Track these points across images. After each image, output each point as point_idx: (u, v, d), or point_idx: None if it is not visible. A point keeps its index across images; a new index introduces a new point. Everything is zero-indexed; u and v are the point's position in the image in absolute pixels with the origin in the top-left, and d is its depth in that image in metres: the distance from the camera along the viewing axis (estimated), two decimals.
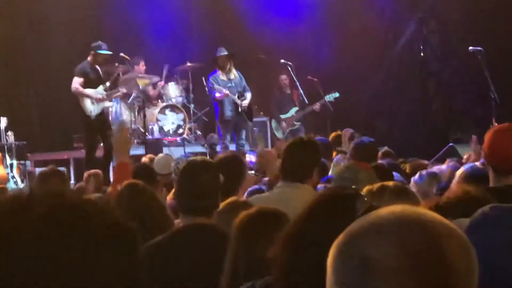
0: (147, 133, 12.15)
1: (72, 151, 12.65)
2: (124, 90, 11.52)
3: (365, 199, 1.87)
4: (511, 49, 12.32)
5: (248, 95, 11.75)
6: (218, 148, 11.82)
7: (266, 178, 6.18)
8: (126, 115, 12.32)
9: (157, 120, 12.73)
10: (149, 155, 8.28)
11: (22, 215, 1.04)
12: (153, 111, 12.73)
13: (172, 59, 13.40)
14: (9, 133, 11.61)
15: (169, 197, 4.95)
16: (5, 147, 11.46)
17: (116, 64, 11.93)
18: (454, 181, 4.17)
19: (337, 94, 12.31)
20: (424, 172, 4.85)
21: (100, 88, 10.77)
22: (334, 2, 13.97)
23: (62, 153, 12.72)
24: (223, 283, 2.67)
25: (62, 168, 12.02)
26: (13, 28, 13.51)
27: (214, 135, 12.37)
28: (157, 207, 3.95)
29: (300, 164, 4.23)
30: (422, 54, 14.31)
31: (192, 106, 13.15)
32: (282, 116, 12.68)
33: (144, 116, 12.04)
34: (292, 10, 14.27)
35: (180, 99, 13.13)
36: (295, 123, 12.66)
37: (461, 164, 5.97)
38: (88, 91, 10.64)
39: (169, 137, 12.77)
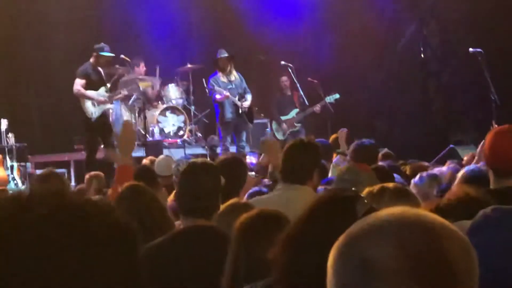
0: (147, 135, 12.15)
1: (73, 153, 12.65)
2: (126, 92, 11.53)
3: (365, 201, 1.88)
4: (511, 50, 12.32)
5: (249, 97, 11.75)
6: (219, 150, 11.82)
7: (267, 179, 6.18)
8: (126, 117, 12.32)
9: (158, 122, 12.74)
10: (149, 157, 8.29)
11: (22, 216, 1.04)
12: (153, 113, 12.73)
13: (173, 61, 13.41)
14: (10, 135, 11.61)
15: (170, 199, 4.95)
16: (6, 149, 11.46)
17: (117, 65, 11.93)
18: (455, 182, 4.17)
19: (337, 96, 12.31)
20: (424, 174, 4.85)
21: (102, 90, 10.77)
22: (334, 3, 13.98)
23: (62, 155, 12.72)
24: (223, 284, 2.67)
25: (63, 170, 12.06)
26: (13, 29, 13.51)
27: (215, 137, 12.37)
28: (158, 209, 3.95)
29: (300, 166, 4.23)
30: (422, 55, 14.31)
31: (192, 108, 13.15)
32: (283, 118, 12.68)
33: (145, 118, 12.05)
34: (292, 11, 14.27)
35: (180, 101, 13.14)
36: (295, 124, 12.66)
37: (462, 165, 5.98)
38: (90, 93, 10.64)
39: (170, 139, 12.77)
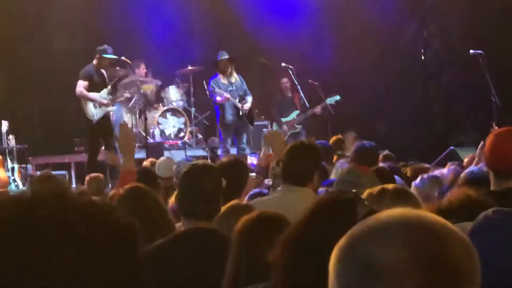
0: (148, 137, 12.15)
1: (73, 155, 12.65)
2: (128, 95, 11.54)
3: (366, 203, 1.88)
4: None
5: (249, 99, 11.76)
6: (219, 151, 11.82)
7: (267, 180, 6.18)
8: (126, 119, 12.32)
9: (158, 123, 12.74)
10: (150, 159, 8.28)
11: (23, 217, 1.04)
12: (154, 115, 12.74)
13: (173, 62, 13.41)
14: (10, 136, 11.61)
15: (171, 201, 4.95)
16: (7, 150, 11.46)
17: (117, 67, 11.94)
18: (456, 184, 4.17)
19: (338, 97, 12.31)
20: (425, 175, 4.84)
21: (104, 92, 10.78)
22: (334, 5, 13.98)
23: (63, 156, 12.72)
24: (224, 287, 2.67)
25: (63, 172, 12.07)
26: (13, 31, 13.51)
27: (215, 138, 12.37)
28: (159, 211, 3.95)
29: (301, 168, 4.23)
30: (422, 57, 14.32)
31: (193, 109, 13.15)
32: (283, 120, 12.68)
33: (145, 119, 12.05)
34: (292, 13, 14.27)
35: (181, 102, 13.14)
36: (296, 126, 12.66)
37: (462, 167, 5.98)
38: (92, 94, 10.65)
39: (170, 141, 12.78)
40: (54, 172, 11.56)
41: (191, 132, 13.11)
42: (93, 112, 10.67)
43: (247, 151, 11.88)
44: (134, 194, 3.97)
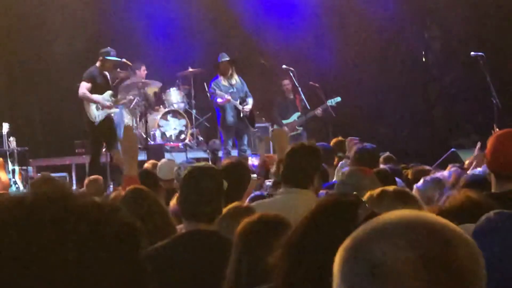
0: (149, 139, 12.15)
1: (74, 157, 12.66)
2: (132, 97, 11.54)
3: (367, 205, 1.87)
4: None
5: (250, 101, 11.76)
6: (220, 153, 11.82)
7: (268, 181, 6.18)
8: (127, 121, 12.32)
9: (159, 125, 12.74)
10: (151, 161, 8.28)
11: (26, 219, 1.03)
12: (155, 117, 12.74)
13: (174, 65, 13.42)
14: (11, 138, 11.61)
15: (173, 203, 4.95)
16: (7, 152, 11.46)
17: (118, 69, 11.94)
18: (457, 186, 4.17)
19: (339, 99, 12.32)
20: (428, 178, 4.84)
21: (107, 94, 10.80)
22: (335, 7, 13.99)
23: (64, 158, 12.73)
24: None
25: (64, 174, 12.08)
26: (14, 34, 13.53)
27: (216, 140, 12.37)
28: (160, 213, 3.96)
29: (302, 170, 4.23)
30: (423, 59, 14.32)
31: (194, 111, 13.16)
32: (284, 122, 12.68)
33: (146, 122, 12.05)
34: (293, 15, 14.28)
35: (182, 104, 13.14)
36: (297, 128, 12.66)
37: (463, 169, 5.97)
38: (95, 96, 10.66)
39: (171, 143, 12.77)
40: (54, 174, 11.58)
41: (192, 134, 13.11)
42: (95, 114, 10.68)
43: (248, 152, 11.89)
44: (135, 196, 3.97)
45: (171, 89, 13.17)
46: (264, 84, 13.47)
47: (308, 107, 12.34)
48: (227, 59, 11.66)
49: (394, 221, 1.18)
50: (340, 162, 7.18)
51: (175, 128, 12.89)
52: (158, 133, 12.72)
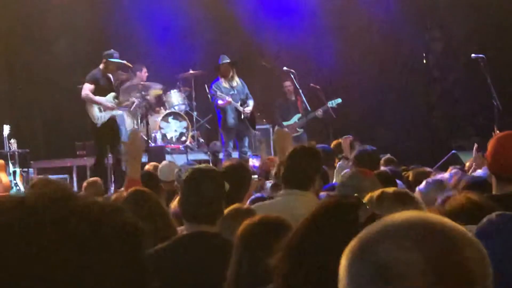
0: (149, 141, 12.15)
1: (75, 159, 12.66)
2: (134, 99, 11.54)
3: (367, 207, 1.88)
4: None
5: (251, 103, 11.76)
6: (221, 155, 11.82)
7: (269, 181, 6.18)
8: (129, 123, 12.33)
9: (160, 127, 12.74)
10: (152, 163, 8.29)
11: (28, 220, 1.03)
12: (155, 119, 12.74)
13: (175, 67, 13.43)
14: (12, 140, 11.61)
15: (174, 204, 4.95)
16: (8, 154, 11.47)
17: (119, 71, 11.95)
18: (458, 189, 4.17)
19: (339, 100, 12.33)
20: (430, 180, 4.84)
21: (110, 96, 10.81)
22: (336, 9, 13.99)
23: (65, 160, 12.73)
24: None
25: (65, 176, 12.08)
26: (15, 36, 13.54)
27: (217, 142, 12.37)
28: (161, 215, 3.96)
29: (302, 172, 4.23)
30: (424, 61, 14.32)
31: (195, 113, 13.16)
32: (285, 123, 12.68)
33: (147, 123, 12.06)
34: (294, 17, 14.28)
35: (182, 106, 13.15)
36: (297, 129, 12.66)
37: (464, 171, 5.98)
38: (99, 98, 10.68)
39: (172, 145, 12.78)
40: (55, 176, 11.60)
41: (192, 136, 13.11)
42: (98, 115, 10.69)
43: (249, 154, 11.89)
44: (136, 197, 3.97)
45: (172, 91, 13.18)
46: (265, 86, 13.48)
47: (309, 109, 12.34)
48: (228, 61, 11.66)
49: (400, 222, 1.18)
50: (339, 163, 7.18)
51: (176, 130, 12.90)
52: (159, 135, 12.72)
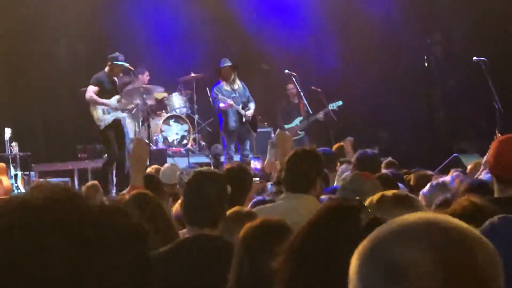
0: (151, 144, 12.15)
1: (76, 162, 12.67)
2: (139, 102, 11.55)
3: (369, 210, 1.87)
4: None
5: (252, 106, 11.77)
6: (223, 158, 11.82)
7: (270, 183, 6.18)
8: (130, 126, 12.33)
9: (161, 130, 12.75)
10: (154, 166, 8.29)
11: (32, 223, 1.03)
12: (157, 122, 12.75)
13: (176, 70, 13.44)
14: (14, 143, 11.63)
15: (175, 208, 4.95)
16: (10, 157, 11.48)
17: (120, 74, 11.96)
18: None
19: (340, 102, 12.34)
20: (434, 183, 4.83)
21: (114, 98, 10.83)
22: (337, 12, 14.00)
23: (66, 163, 12.74)
24: None
25: (66, 179, 12.08)
26: (16, 39, 13.55)
27: (219, 145, 12.38)
28: (163, 218, 3.95)
29: (303, 175, 4.23)
30: (426, 64, 14.32)
31: (196, 116, 13.17)
32: (286, 126, 12.69)
33: (148, 126, 12.06)
34: (295, 20, 14.29)
35: (184, 109, 13.15)
36: (298, 132, 12.66)
37: (466, 174, 5.97)
38: (103, 100, 10.70)
39: (173, 148, 12.78)
40: (56, 179, 11.61)
41: (194, 139, 13.11)
42: (102, 117, 10.71)
43: (250, 157, 11.89)
44: (139, 200, 3.97)
45: (173, 94, 13.18)
46: (266, 89, 13.49)
47: (311, 112, 12.35)
48: (229, 64, 11.68)
49: (411, 223, 1.17)
50: (341, 167, 7.18)
51: (177, 133, 12.90)
52: (160, 138, 12.73)
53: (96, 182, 7.77)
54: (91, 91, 10.66)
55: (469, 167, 6.95)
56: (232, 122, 11.58)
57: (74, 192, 1.10)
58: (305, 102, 12.33)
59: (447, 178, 5.49)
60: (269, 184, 6.34)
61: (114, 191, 10.17)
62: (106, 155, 11.21)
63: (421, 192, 4.71)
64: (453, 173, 5.90)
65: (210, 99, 11.98)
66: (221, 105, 11.50)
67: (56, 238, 1.02)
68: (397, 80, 13.91)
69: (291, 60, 13.43)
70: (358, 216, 1.80)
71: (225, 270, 2.71)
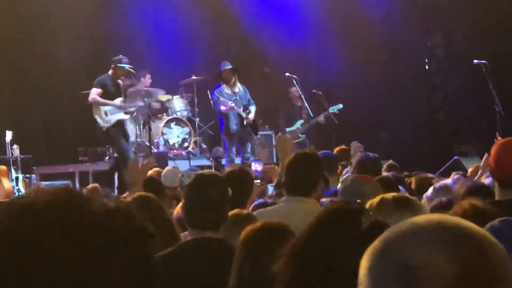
0: (152, 147, 12.16)
1: (78, 164, 12.66)
2: (141, 104, 11.56)
3: (370, 213, 1.88)
4: None
5: (253, 109, 11.77)
6: (224, 161, 11.83)
7: (270, 185, 6.18)
8: (131, 129, 12.34)
9: (162, 133, 12.75)
10: (155, 169, 8.29)
11: (35, 226, 1.03)
12: (158, 125, 12.75)
13: (177, 72, 13.44)
14: (15, 146, 11.62)
15: (176, 210, 4.95)
16: (11, 160, 11.48)
17: (122, 77, 11.97)
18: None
19: (340, 106, 12.35)
20: (437, 185, 4.83)
21: (118, 101, 10.84)
22: (338, 14, 14.00)
23: (67, 166, 12.73)
24: None
25: (67, 182, 12.07)
26: (17, 42, 13.55)
27: (220, 148, 12.38)
28: (164, 220, 3.96)
29: (304, 178, 4.23)
30: (427, 67, 14.32)
31: (197, 119, 13.17)
32: (287, 129, 12.69)
33: (149, 129, 12.07)
34: (296, 23, 14.30)
35: (185, 112, 13.16)
36: (299, 135, 12.66)
37: (467, 177, 5.97)
38: (106, 100, 10.72)
39: (175, 151, 12.78)
40: (57, 182, 11.61)
41: (195, 142, 13.12)
42: (105, 119, 10.71)
43: (251, 160, 11.89)
44: (140, 202, 3.97)
45: (174, 97, 13.19)
46: (267, 92, 13.48)
47: (312, 115, 12.35)
48: (230, 67, 11.68)
49: (423, 223, 1.17)
50: (345, 170, 7.19)
51: (178, 136, 12.90)
52: (161, 141, 12.73)
53: (97, 184, 7.77)
54: (94, 93, 10.68)
55: (470, 170, 6.96)
56: (233, 125, 11.58)
57: (75, 193, 1.10)
58: (306, 105, 12.34)
59: (448, 181, 5.49)
60: (269, 186, 6.34)
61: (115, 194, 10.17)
62: (116, 154, 11.22)
63: (424, 196, 4.71)
64: (454, 176, 5.90)
65: (211, 102, 11.99)
66: (222, 108, 11.50)
67: (56, 239, 1.02)
68: (398, 83, 13.91)
69: (291, 60, 13.43)
70: (359, 219, 1.80)
71: (226, 273, 2.71)
